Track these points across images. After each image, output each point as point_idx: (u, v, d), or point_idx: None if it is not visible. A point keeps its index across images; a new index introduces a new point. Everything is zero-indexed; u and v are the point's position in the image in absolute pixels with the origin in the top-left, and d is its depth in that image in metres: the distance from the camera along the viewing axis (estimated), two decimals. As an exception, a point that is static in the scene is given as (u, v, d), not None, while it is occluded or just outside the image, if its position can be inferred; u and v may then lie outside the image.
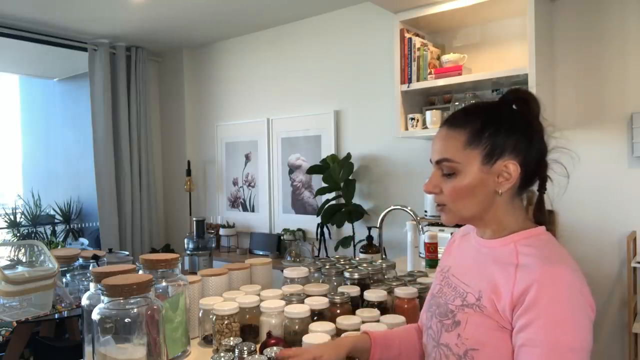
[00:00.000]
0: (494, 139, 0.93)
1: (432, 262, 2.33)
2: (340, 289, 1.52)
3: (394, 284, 1.56)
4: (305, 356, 1.02)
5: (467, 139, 0.94)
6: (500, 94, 2.67)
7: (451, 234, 1.37)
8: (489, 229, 0.99)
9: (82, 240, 4.56)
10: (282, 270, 1.72)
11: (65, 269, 2.19)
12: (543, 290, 0.84)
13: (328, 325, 1.26)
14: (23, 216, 5.07)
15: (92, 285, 1.26)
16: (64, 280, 2.15)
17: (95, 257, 2.15)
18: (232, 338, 1.22)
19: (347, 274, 1.62)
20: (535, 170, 0.96)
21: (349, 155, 3.29)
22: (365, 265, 1.72)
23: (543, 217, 1.00)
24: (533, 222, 1.00)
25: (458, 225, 1.11)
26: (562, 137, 1.00)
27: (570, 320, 0.83)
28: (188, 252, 3.31)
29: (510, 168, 0.93)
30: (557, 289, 0.84)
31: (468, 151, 0.93)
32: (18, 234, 4.91)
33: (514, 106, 0.98)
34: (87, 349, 1.21)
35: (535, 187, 1.00)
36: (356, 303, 1.50)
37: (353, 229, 3.23)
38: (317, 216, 3.31)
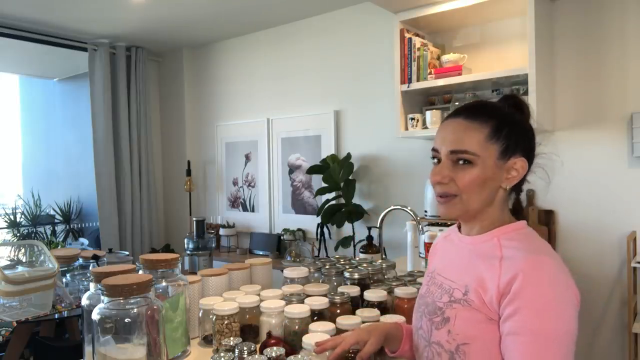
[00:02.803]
0: (510, 138, 0.97)
1: (432, 262, 2.33)
2: (340, 289, 1.52)
3: (394, 284, 1.56)
4: (346, 343, 1.05)
5: (489, 133, 0.96)
6: (500, 94, 2.68)
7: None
8: (480, 224, 1.01)
9: (82, 240, 4.56)
10: (282, 270, 1.72)
11: (65, 269, 2.19)
12: (528, 279, 0.86)
13: (328, 325, 1.26)
14: (23, 216, 5.07)
15: (92, 285, 1.26)
16: (64, 280, 2.15)
17: (95, 257, 2.16)
18: (232, 338, 1.22)
19: (347, 274, 1.62)
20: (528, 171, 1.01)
21: (349, 155, 3.29)
22: (365, 265, 1.72)
23: (520, 217, 1.04)
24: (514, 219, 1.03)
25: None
26: (551, 140, 1.07)
27: (556, 309, 0.85)
28: (188, 252, 3.31)
29: (519, 165, 0.97)
30: (541, 279, 0.86)
31: (488, 145, 0.96)
32: (18, 234, 4.91)
33: (515, 111, 1.02)
34: (87, 349, 1.21)
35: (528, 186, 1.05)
36: (356, 303, 1.50)
37: (353, 229, 3.23)
38: (317, 216, 3.31)
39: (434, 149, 1.01)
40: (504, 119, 0.98)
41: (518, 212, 1.04)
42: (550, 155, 1.04)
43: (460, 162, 0.96)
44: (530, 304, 0.85)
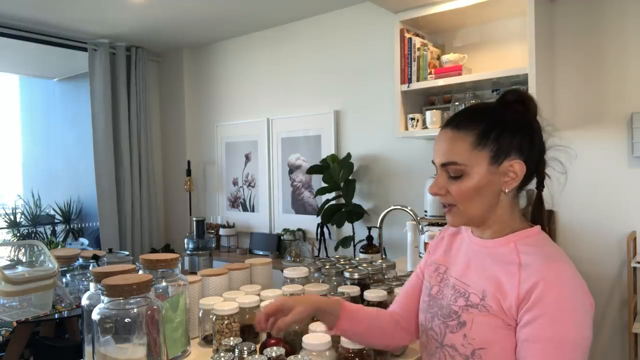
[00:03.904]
0: (500, 140, 0.94)
1: (432, 262, 2.33)
2: (340, 289, 1.52)
3: (394, 284, 1.56)
4: (270, 307, 1.05)
5: (474, 141, 0.94)
6: (500, 94, 2.68)
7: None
8: (491, 229, 1.00)
9: (82, 240, 4.56)
10: (282, 270, 1.72)
11: (65, 269, 2.19)
12: (549, 287, 0.86)
13: (328, 325, 1.26)
14: (23, 216, 5.07)
15: (92, 285, 1.26)
16: (64, 280, 2.15)
17: (95, 257, 2.15)
18: (232, 338, 1.21)
19: (347, 274, 1.62)
20: (535, 168, 0.99)
21: (349, 155, 3.29)
22: (365, 265, 1.72)
23: (541, 216, 1.02)
24: (529, 221, 1.02)
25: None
26: (559, 136, 1.03)
27: (574, 316, 0.85)
28: (188, 252, 3.31)
29: (516, 167, 0.95)
30: (561, 287, 0.86)
31: (475, 153, 0.94)
32: (18, 234, 4.91)
33: (513, 107, 1.00)
34: (87, 349, 1.21)
35: (533, 186, 1.02)
36: (356, 303, 1.50)
37: (353, 229, 3.23)
38: (317, 216, 3.31)
39: (432, 162, 1.01)
40: (492, 121, 0.95)
41: (538, 212, 1.02)
42: (566, 149, 1.02)
43: (452, 174, 0.96)
44: (551, 312, 0.85)
